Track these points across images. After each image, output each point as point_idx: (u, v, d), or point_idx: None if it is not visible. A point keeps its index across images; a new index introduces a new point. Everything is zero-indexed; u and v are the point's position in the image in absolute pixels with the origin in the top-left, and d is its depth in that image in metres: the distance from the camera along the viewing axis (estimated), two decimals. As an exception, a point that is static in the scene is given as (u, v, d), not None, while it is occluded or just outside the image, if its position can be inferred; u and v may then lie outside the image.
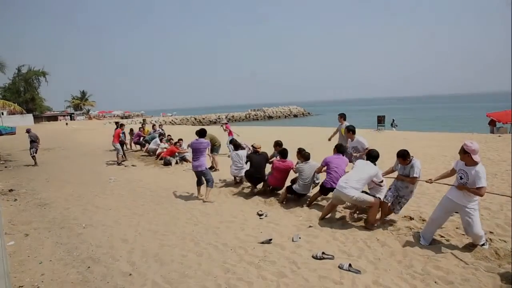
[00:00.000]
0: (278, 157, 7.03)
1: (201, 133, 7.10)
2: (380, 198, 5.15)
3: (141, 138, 14.84)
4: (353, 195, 4.94)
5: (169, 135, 13.96)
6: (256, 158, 7.19)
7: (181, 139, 12.04)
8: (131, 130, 16.80)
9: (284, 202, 6.47)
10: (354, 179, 5.03)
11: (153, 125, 15.82)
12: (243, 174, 7.52)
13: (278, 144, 7.23)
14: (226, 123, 14.46)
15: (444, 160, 9.73)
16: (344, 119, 8.03)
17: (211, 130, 11.96)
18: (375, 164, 5.23)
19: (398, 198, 5.04)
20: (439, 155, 10.58)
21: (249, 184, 7.53)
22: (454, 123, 37.41)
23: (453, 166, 4.32)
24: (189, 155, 11.54)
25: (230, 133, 13.56)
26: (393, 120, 25.50)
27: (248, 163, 7.44)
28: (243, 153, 7.75)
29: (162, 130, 15.26)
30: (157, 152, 12.54)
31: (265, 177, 7.09)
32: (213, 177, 7.13)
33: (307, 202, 6.28)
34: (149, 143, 13.74)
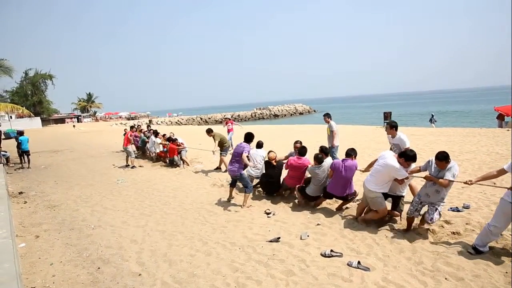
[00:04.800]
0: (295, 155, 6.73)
1: (247, 138, 6.74)
2: (403, 196, 5.12)
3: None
4: (370, 188, 4.84)
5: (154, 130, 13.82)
6: (270, 170, 6.92)
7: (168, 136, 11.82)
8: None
9: (299, 204, 6.29)
10: (373, 172, 4.94)
11: (142, 129, 15.05)
12: (256, 175, 7.27)
13: (297, 142, 6.99)
14: (228, 119, 14.39)
15: (452, 156, 9.61)
16: (330, 119, 8.43)
17: (220, 130, 11.90)
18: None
19: (430, 206, 4.51)
20: (447, 151, 10.46)
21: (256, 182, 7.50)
22: (461, 118, 37.04)
23: (504, 167, 3.85)
24: (184, 152, 11.36)
25: (230, 129, 13.39)
26: (432, 116, 22.82)
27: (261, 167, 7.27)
28: (262, 153, 7.33)
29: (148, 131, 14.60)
30: (157, 153, 12.39)
31: (280, 186, 6.88)
32: (251, 183, 6.75)
33: (314, 203, 6.18)
34: (143, 148, 13.69)
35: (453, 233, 4.52)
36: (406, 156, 4.79)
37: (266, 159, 7.14)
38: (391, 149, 6.31)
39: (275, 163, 6.93)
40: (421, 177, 4.79)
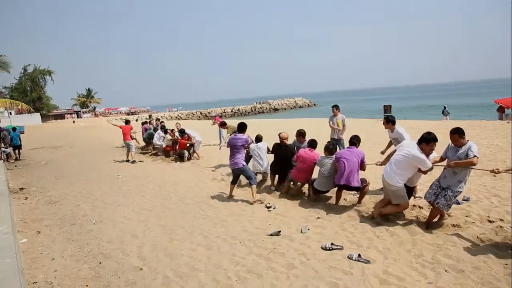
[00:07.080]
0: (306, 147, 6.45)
1: (240, 128, 6.66)
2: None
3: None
4: (392, 183, 4.64)
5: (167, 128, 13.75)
6: (281, 151, 6.74)
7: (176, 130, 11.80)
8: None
9: (309, 199, 6.19)
10: (392, 163, 4.75)
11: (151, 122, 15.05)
12: (263, 169, 7.23)
13: (301, 134, 6.87)
14: (215, 116, 14.70)
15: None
16: (339, 111, 8.51)
17: (214, 127, 11.92)
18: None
19: (443, 190, 4.42)
20: (447, 144, 10.46)
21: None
22: (460, 111, 36.94)
23: None
24: (197, 145, 11.40)
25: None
26: (445, 107, 22.22)
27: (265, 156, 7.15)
28: (263, 146, 7.27)
29: (157, 125, 14.57)
30: (163, 147, 12.36)
31: (286, 170, 6.67)
32: (254, 174, 6.68)
33: (335, 201, 5.93)
34: (148, 141, 13.62)
35: (453, 225, 4.53)
36: (426, 140, 4.58)
37: (269, 148, 7.14)
38: (390, 142, 6.31)
39: (286, 143, 6.82)
40: (443, 165, 4.61)
